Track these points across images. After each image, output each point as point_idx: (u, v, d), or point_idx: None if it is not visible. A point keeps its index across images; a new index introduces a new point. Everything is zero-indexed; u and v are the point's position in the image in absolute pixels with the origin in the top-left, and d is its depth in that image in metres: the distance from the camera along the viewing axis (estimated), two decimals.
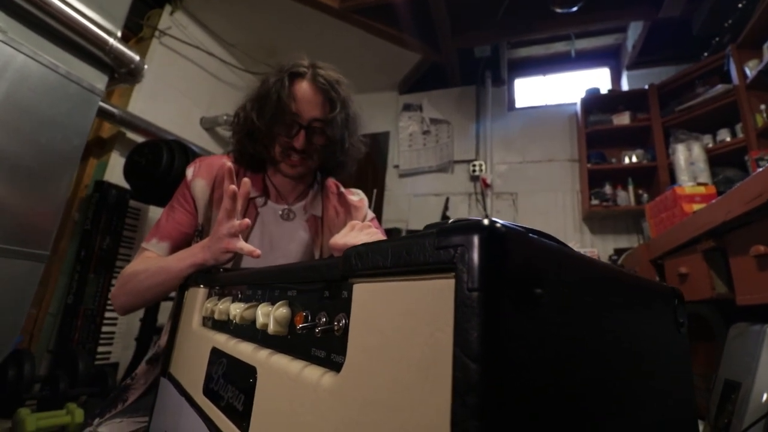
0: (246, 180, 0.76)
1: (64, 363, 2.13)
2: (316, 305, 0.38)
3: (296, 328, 0.36)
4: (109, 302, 2.46)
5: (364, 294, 0.29)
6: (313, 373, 0.33)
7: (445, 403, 0.19)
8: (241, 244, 0.74)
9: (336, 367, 0.32)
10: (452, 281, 0.20)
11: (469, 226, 0.20)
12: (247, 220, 0.74)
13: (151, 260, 0.85)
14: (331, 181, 1.08)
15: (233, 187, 0.73)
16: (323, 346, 0.35)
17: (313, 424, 0.30)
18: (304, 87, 0.88)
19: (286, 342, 0.41)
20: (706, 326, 1.47)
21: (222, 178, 0.94)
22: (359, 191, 1.12)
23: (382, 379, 0.25)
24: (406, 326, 0.24)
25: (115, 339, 2.50)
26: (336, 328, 0.33)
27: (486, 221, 0.20)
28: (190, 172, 0.95)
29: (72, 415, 1.79)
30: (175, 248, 0.90)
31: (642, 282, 0.33)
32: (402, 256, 0.24)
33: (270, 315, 0.42)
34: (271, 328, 0.41)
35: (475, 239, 0.19)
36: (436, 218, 3.50)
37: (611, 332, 0.27)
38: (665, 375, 0.34)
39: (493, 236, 0.19)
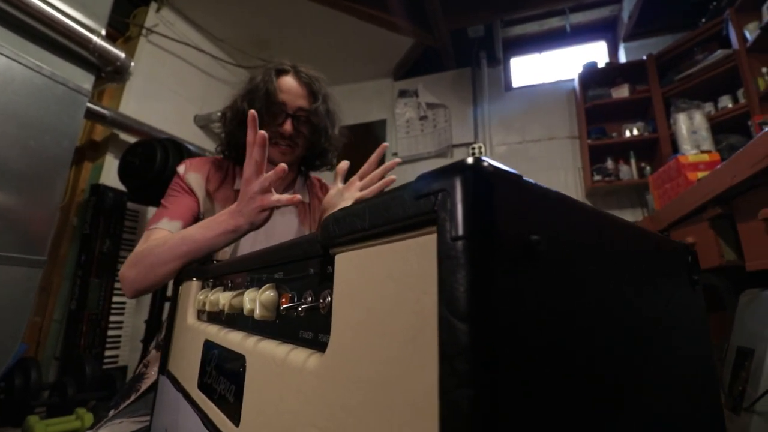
0: (262, 132, 0.69)
1: (71, 369, 2.13)
2: (302, 284, 0.35)
3: (280, 310, 0.34)
4: (113, 305, 2.46)
5: (346, 264, 0.26)
6: (299, 355, 0.30)
7: (433, 373, 0.16)
8: (278, 197, 0.70)
9: (323, 347, 0.30)
10: (435, 234, 0.18)
11: (451, 168, 0.17)
12: (283, 165, 0.67)
13: (168, 236, 0.80)
14: (314, 177, 1.16)
15: (263, 132, 0.67)
16: (310, 326, 0.32)
17: (298, 410, 0.28)
18: (288, 80, 0.95)
19: (274, 326, 0.39)
20: (714, 296, 1.44)
21: (214, 172, 0.97)
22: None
23: (368, 354, 0.22)
24: (391, 293, 0.21)
25: (121, 342, 2.50)
26: (321, 305, 0.30)
27: (469, 160, 0.17)
28: (182, 168, 0.96)
29: (81, 420, 1.79)
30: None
31: (653, 237, 0.30)
32: (380, 214, 0.21)
33: (256, 300, 0.40)
34: (257, 312, 0.39)
35: (458, 181, 0.17)
36: None
37: (620, 289, 0.24)
38: (682, 335, 0.31)
39: (479, 175, 0.17)
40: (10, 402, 1.82)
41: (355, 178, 0.87)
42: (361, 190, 0.87)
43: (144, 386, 0.85)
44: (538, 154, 3.35)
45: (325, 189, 1.14)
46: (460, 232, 0.16)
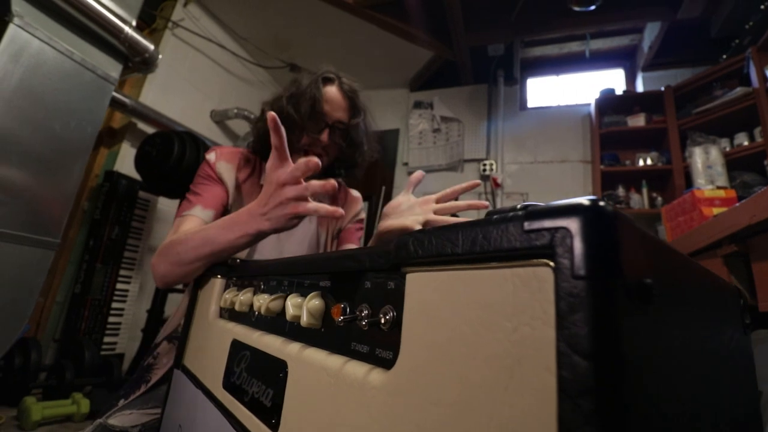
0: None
1: (70, 352, 2.13)
2: (355, 297, 0.36)
3: (335, 321, 0.34)
4: (116, 292, 2.46)
5: (421, 284, 0.26)
6: (357, 369, 0.30)
7: (545, 407, 0.16)
8: (316, 205, 0.62)
9: (383, 363, 0.30)
10: (544, 269, 0.18)
11: (568, 207, 0.18)
12: (333, 182, 0.61)
13: (193, 230, 0.77)
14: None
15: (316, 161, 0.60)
16: (366, 340, 0.32)
17: (359, 425, 0.28)
18: (333, 91, 0.97)
19: (319, 335, 0.39)
20: None
21: (243, 164, 0.97)
22: (356, 191, 1.20)
23: (449, 377, 0.22)
24: (477, 319, 0.21)
25: (121, 330, 2.50)
26: (382, 321, 0.30)
27: (586, 201, 0.18)
28: (212, 155, 0.95)
29: (78, 405, 1.78)
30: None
31: (716, 278, 0.31)
32: (477, 241, 0.22)
33: (303, 307, 0.40)
34: (305, 320, 0.39)
35: (579, 221, 0.17)
36: None
37: (700, 333, 0.24)
38: (738, 377, 0.31)
39: (600, 217, 0.17)
40: (8, 381, 1.81)
41: (431, 197, 0.79)
42: (435, 212, 0.78)
43: (154, 378, 0.85)
44: (548, 176, 3.36)
45: (344, 193, 1.14)
46: (583, 271, 0.16)
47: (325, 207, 0.62)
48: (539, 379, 0.17)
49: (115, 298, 2.46)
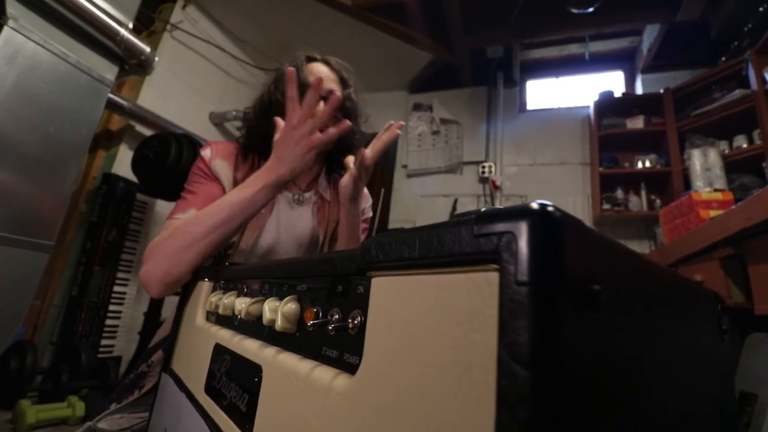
0: (319, 76, 0.70)
1: (66, 355, 2.13)
2: (328, 301, 0.35)
3: (306, 325, 0.34)
4: (114, 295, 2.46)
5: (384, 289, 0.26)
6: (324, 374, 0.30)
7: (486, 415, 0.16)
8: (326, 132, 0.70)
9: (350, 368, 0.29)
10: (494, 274, 0.18)
11: (516, 211, 0.17)
12: (338, 96, 0.71)
13: (197, 213, 0.74)
14: (337, 174, 1.10)
15: (320, 76, 0.68)
16: (336, 345, 0.32)
17: (320, 430, 0.27)
18: (319, 66, 0.95)
19: (294, 340, 0.39)
20: None
21: (240, 161, 0.93)
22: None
23: (405, 383, 0.22)
24: (433, 325, 0.21)
25: (118, 333, 2.49)
26: (350, 326, 0.30)
27: (535, 205, 0.17)
28: (207, 152, 0.90)
29: (73, 408, 1.78)
30: None
31: (688, 283, 0.30)
32: (432, 245, 0.21)
33: (278, 310, 0.39)
34: (279, 324, 0.38)
35: (525, 225, 0.17)
36: (443, 219, 3.46)
37: (665, 338, 0.24)
38: (710, 384, 0.31)
39: (546, 221, 0.17)
40: (4, 384, 1.81)
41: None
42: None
43: (148, 385, 0.83)
44: (548, 178, 3.35)
45: None
46: (526, 277, 0.16)
47: (333, 130, 0.70)
48: (483, 388, 0.17)
49: (113, 300, 2.45)
